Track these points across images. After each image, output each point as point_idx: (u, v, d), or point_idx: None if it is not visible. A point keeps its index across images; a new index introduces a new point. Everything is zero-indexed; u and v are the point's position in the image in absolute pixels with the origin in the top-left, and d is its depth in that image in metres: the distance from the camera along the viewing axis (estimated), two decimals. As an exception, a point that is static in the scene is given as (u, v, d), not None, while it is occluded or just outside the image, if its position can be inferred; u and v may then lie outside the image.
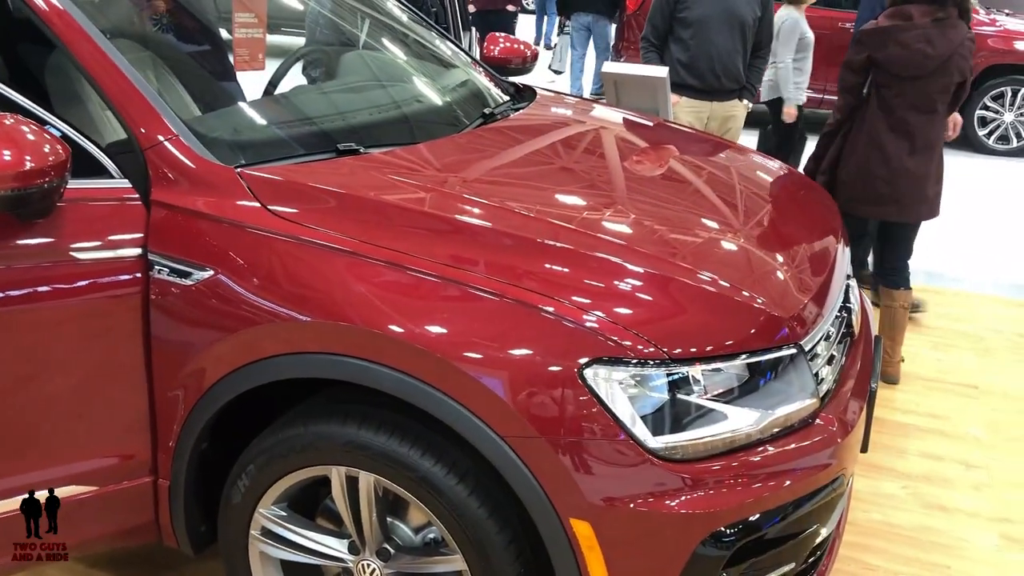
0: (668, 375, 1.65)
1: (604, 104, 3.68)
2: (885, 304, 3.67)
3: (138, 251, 1.84)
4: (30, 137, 1.68)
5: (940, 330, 4.32)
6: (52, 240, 1.80)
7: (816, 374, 1.84)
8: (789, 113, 5.08)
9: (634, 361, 1.63)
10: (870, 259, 4.23)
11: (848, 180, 3.44)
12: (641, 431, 1.63)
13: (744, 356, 1.73)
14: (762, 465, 1.71)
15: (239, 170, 1.91)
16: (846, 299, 2.22)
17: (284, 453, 1.84)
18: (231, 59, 2.72)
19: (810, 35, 4.99)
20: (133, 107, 1.89)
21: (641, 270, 1.82)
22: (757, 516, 1.69)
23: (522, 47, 3.37)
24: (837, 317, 2.08)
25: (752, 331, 1.76)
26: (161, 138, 1.88)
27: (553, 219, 1.97)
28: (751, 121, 4.60)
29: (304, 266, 1.78)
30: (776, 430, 1.74)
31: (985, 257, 4.25)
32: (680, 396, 1.66)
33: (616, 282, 1.78)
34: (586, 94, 9.32)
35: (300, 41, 3.32)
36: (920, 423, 3.48)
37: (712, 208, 2.30)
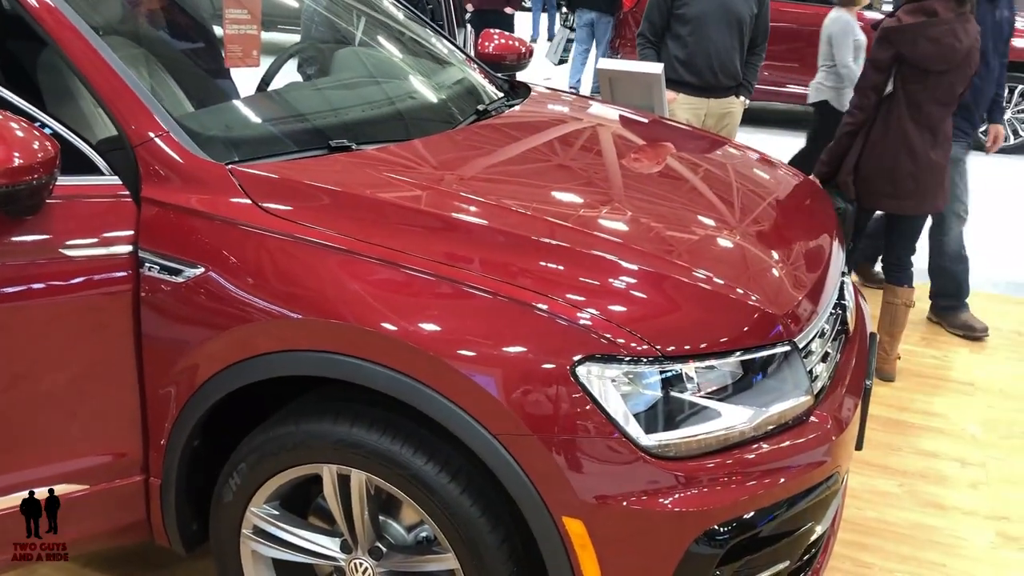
0: (661, 373, 1.65)
1: (599, 101, 3.67)
2: (887, 300, 3.68)
3: (128, 248, 1.83)
4: (19, 134, 1.67)
5: (937, 327, 4.32)
6: (41, 237, 1.79)
7: (810, 371, 1.83)
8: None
9: (627, 359, 1.63)
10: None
11: (872, 176, 3.45)
12: (634, 429, 1.62)
13: (738, 353, 1.72)
14: (756, 463, 1.70)
15: (230, 167, 1.90)
16: (841, 296, 2.21)
17: (276, 451, 1.84)
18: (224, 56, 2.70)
19: (862, 37, 4.86)
20: (123, 104, 1.88)
21: (635, 267, 1.81)
22: (751, 514, 1.69)
23: (516, 43, 3.36)
24: (832, 314, 2.08)
25: (746, 328, 1.76)
26: (151, 135, 1.87)
27: (547, 216, 1.96)
28: (747, 119, 4.59)
29: (296, 263, 1.77)
30: (770, 428, 1.73)
31: (982, 254, 4.24)
32: (673, 394, 1.66)
33: (610, 279, 1.78)
34: (586, 91, 9.32)
35: (294, 38, 3.31)
36: (916, 420, 3.48)
37: (706, 205, 2.29)
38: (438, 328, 1.67)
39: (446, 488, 1.70)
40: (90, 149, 1.87)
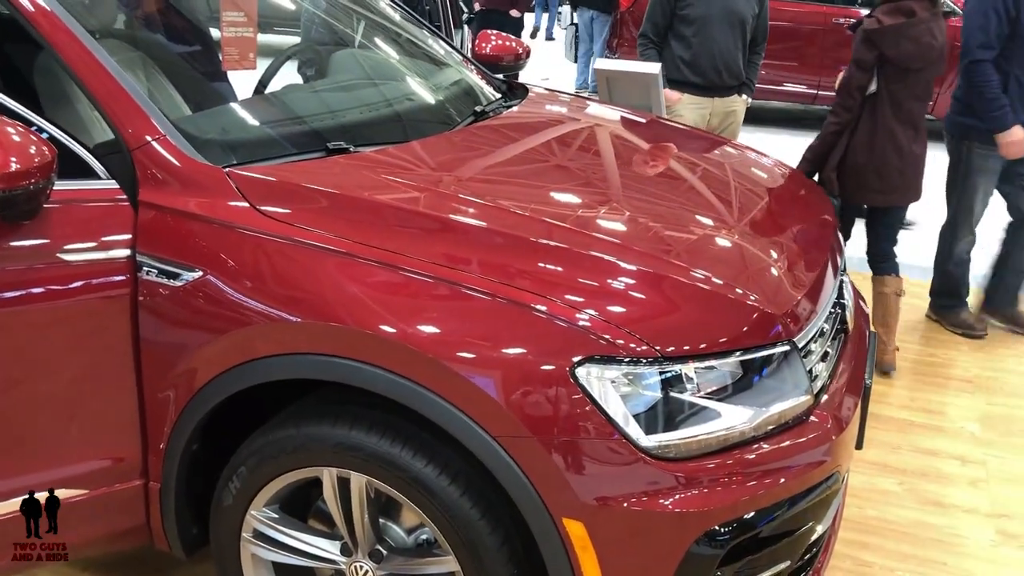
0: (661, 373, 1.64)
1: (597, 101, 3.67)
2: (878, 291, 3.72)
3: (126, 252, 1.83)
4: (16, 138, 1.67)
5: (936, 325, 4.32)
6: (39, 242, 1.79)
7: (810, 371, 1.83)
8: None
9: (626, 359, 1.62)
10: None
11: (858, 172, 3.53)
12: (634, 430, 1.62)
13: (738, 353, 1.72)
14: (756, 463, 1.70)
15: (227, 170, 1.89)
16: (840, 295, 2.21)
17: (275, 455, 1.83)
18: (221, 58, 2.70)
19: None
20: (120, 107, 1.87)
21: (634, 268, 1.80)
22: (752, 514, 1.69)
23: (514, 44, 3.36)
24: (831, 313, 2.07)
25: (745, 328, 1.75)
26: (148, 138, 1.87)
27: (545, 217, 1.96)
28: (746, 117, 4.60)
29: (295, 266, 1.77)
30: (770, 427, 1.73)
31: (979, 252, 4.25)
32: (673, 394, 1.65)
33: (609, 280, 1.77)
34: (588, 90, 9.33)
35: (291, 40, 3.30)
36: (916, 419, 3.48)
37: (705, 205, 2.29)
38: (437, 330, 1.67)
39: (446, 490, 1.70)
40: (87, 153, 1.87)
